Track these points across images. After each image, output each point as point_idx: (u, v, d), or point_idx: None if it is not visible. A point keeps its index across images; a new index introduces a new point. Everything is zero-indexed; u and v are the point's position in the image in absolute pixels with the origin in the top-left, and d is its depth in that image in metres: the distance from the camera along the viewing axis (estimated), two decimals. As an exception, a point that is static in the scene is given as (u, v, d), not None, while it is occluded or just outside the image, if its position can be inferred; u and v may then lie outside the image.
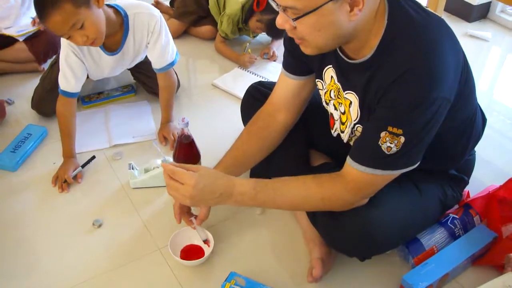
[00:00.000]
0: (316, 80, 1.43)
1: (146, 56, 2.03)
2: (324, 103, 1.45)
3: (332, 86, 1.35)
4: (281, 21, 1.13)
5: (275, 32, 2.54)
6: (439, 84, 1.10)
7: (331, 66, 1.33)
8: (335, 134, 1.44)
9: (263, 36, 2.72)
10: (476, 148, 1.52)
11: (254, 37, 2.73)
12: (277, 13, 1.13)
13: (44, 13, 1.57)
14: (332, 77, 1.34)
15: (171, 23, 2.74)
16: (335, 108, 1.38)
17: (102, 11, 1.69)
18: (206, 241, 1.51)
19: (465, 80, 1.23)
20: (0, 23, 2.36)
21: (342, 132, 1.39)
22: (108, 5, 1.79)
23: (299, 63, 1.42)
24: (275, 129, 1.52)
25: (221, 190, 1.28)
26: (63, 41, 1.81)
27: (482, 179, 1.74)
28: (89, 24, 1.63)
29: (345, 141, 1.39)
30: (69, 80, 1.83)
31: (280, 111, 1.51)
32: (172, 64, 1.97)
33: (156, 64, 1.95)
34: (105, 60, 1.91)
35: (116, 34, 1.83)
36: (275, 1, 1.10)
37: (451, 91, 1.15)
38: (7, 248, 1.58)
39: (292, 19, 1.10)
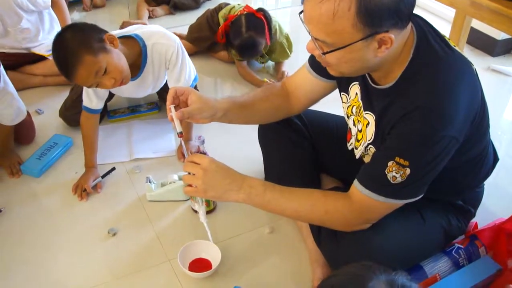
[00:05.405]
0: (341, 93, 1.46)
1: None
2: (345, 116, 1.48)
3: (355, 102, 1.38)
4: (311, 47, 1.17)
5: (246, 55, 2.54)
6: (448, 124, 1.13)
7: (357, 82, 1.36)
8: (350, 148, 1.48)
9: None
10: (492, 179, 1.52)
11: (261, 63, 2.74)
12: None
13: (71, 71, 1.64)
14: (356, 93, 1.37)
15: (183, 43, 2.82)
16: (354, 124, 1.42)
17: (120, 50, 1.75)
18: (180, 134, 1.35)
19: (478, 123, 1.25)
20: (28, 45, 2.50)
21: (356, 148, 1.42)
22: (128, 36, 1.85)
23: None
24: (285, 102, 1.57)
25: (233, 177, 1.32)
26: None
27: (493, 210, 1.74)
28: (112, 67, 1.69)
29: (357, 157, 1.43)
30: (92, 99, 1.92)
31: (291, 94, 1.56)
32: None
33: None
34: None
35: (134, 61, 1.85)
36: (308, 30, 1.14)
37: (461, 132, 1.17)
38: (24, 251, 1.65)
39: (322, 52, 1.14)
